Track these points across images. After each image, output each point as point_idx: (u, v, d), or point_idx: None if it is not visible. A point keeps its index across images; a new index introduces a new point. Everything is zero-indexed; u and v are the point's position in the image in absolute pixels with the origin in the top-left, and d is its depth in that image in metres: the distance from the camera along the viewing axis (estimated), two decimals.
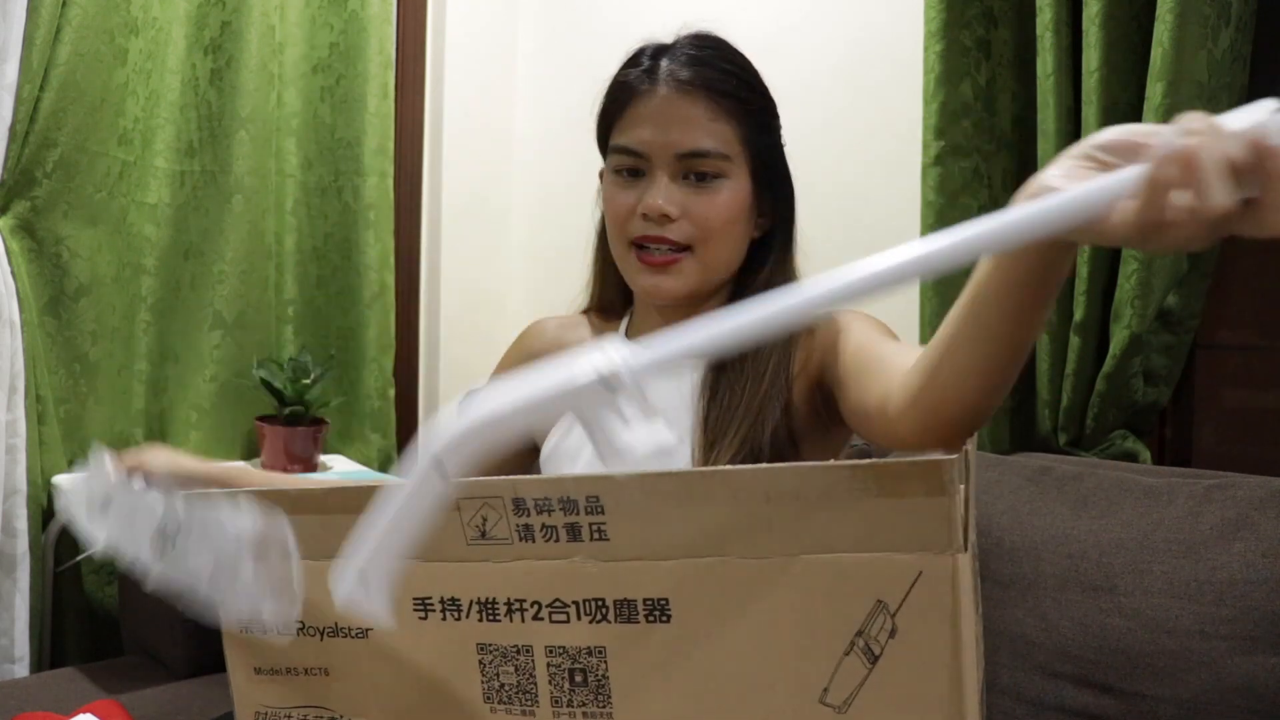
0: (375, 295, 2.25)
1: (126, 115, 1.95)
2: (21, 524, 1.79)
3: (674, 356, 0.53)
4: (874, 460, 0.57)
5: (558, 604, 0.65)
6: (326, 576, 0.57)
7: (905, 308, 1.57)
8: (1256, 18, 1.31)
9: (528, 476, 0.66)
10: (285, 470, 2.03)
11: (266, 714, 0.79)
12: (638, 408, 0.52)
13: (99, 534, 0.78)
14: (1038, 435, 1.48)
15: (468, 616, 0.68)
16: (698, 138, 0.98)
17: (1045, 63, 1.41)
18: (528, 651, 0.67)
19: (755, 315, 0.54)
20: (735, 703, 0.62)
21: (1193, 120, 0.51)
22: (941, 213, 1.50)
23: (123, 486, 0.80)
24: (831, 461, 0.58)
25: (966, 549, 0.57)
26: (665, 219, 0.98)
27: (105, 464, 0.81)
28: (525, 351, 1.17)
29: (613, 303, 1.15)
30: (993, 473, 1.33)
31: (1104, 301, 1.41)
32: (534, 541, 0.65)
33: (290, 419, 2.07)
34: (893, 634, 0.58)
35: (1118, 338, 1.37)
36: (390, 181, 2.26)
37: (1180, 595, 1.12)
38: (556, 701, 0.66)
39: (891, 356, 0.85)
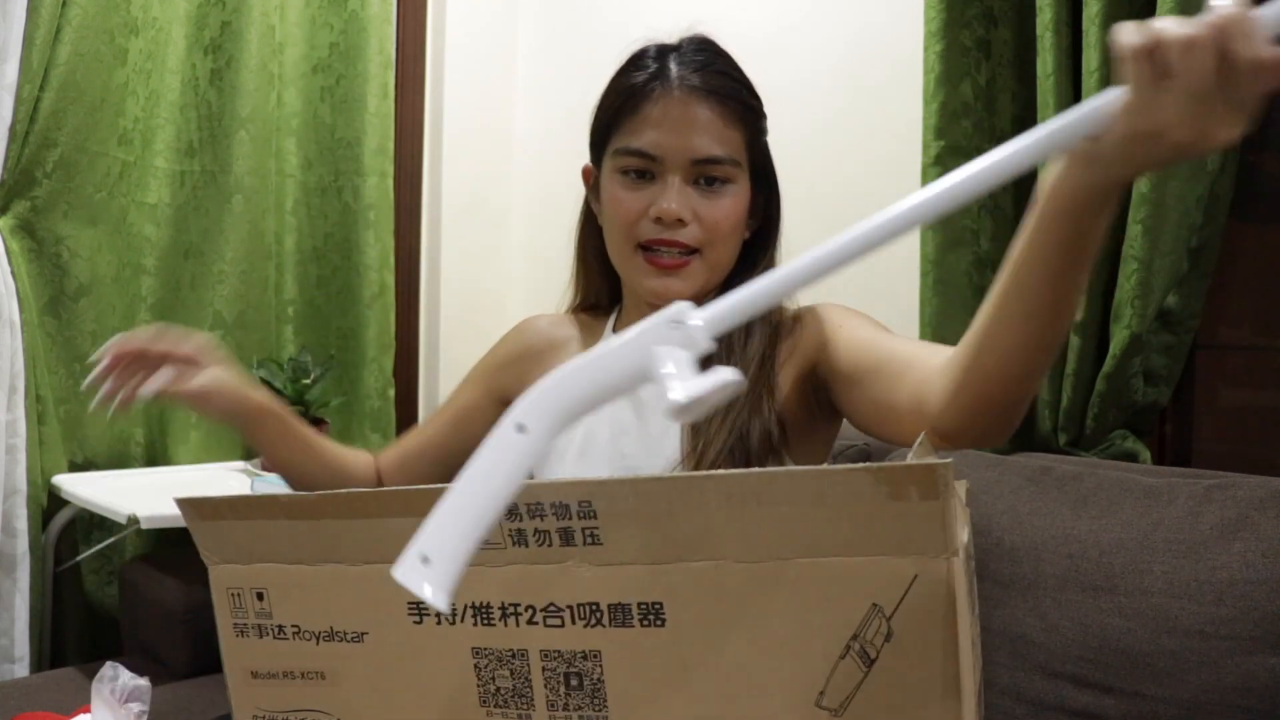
0: (375, 295, 2.25)
1: (126, 115, 1.95)
2: (21, 524, 1.79)
3: (735, 312, 0.58)
4: (868, 464, 0.57)
5: (552, 608, 0.65)
6: (314, 581, 0.57)
7: (906, 308, 1.57)
8: None
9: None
10: None
11: (263, 717, 0.79)
12: (696, 355, 0.56)
13: None
14: (1038, 435, 1.47)
15: (463, 621, 0.68)
16: (712, 144, 0.99)
17: (1045, 63, 1.41)
18: (523, 655, 0.67)
19: (803, 264, 0.58)
20: (731, 706, 0.62)
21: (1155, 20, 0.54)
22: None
23: None
24: (825, 465, 0.58)
25: (961, 552, 0.57)
26: (679, 223, 0.99)
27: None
28: (521, 345, 1.17)
29: (598, 301, 1.15)
30: (993, 473, 1.33)
31: (1104, 301, 1.41)
32: (527, 546, 0.65)
33: None
34: (888, 637, 0.58)
35: (1118, 338, 1.37)
36: (390, 181, 2.26)
37: (1180, 595, 1.12)
38: (552, 705, 0.66)
39: (916, 354, 0.86)
